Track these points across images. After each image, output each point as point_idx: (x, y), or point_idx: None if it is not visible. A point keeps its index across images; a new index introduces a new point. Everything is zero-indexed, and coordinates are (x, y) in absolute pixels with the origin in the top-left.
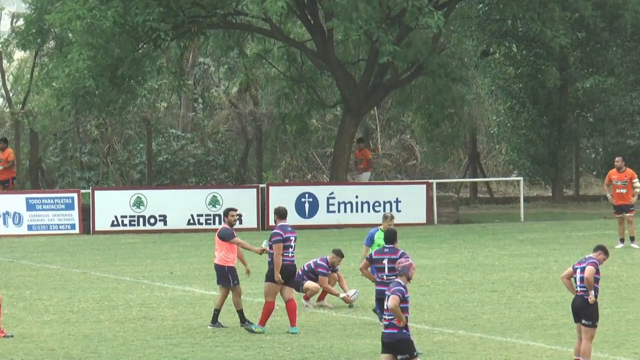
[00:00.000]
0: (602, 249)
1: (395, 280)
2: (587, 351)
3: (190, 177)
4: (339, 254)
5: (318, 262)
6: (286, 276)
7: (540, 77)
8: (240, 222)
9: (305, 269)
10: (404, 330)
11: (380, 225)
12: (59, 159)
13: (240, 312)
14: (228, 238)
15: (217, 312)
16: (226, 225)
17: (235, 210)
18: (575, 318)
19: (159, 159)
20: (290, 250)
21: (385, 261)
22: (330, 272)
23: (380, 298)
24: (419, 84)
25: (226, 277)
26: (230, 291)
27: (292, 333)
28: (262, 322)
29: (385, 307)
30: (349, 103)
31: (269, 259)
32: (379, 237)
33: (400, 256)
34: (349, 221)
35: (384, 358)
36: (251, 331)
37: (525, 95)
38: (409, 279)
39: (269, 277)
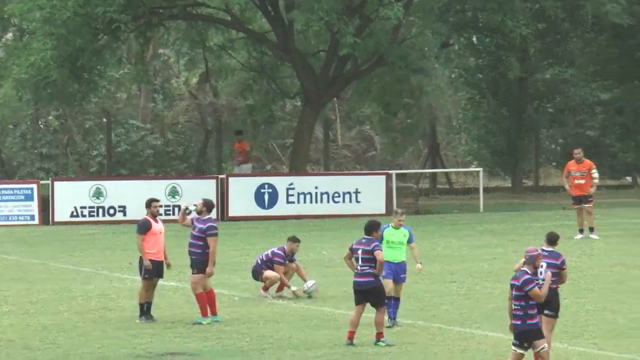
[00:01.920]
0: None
1: (522, 269)
2: (548, 342)
3: (150, 168)
4: (294, 240)
5: (275, 251)
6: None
7: (501, 68)
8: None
9: (264, 258)
10: (516, 321)
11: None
12: (18, 149)
13: (143, 305)
14: (138, 231)
15: (144, 305)
16: (147, 217)
17: (158, 201)
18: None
19: (119, 150)
20: None
21: (359, 252)
22: (288, 261)
23: (356, 289)
24: (378, 73)
25: (140, 268)
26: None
27: (216, 321)
28: (207, 312)
29: (511, 296)
30: (308, 94)
31: (192, 249)
32: (389, 234)
33: (374, 248)
34: (309, 212)
35: (515, 350)
36: (199, 323)
37: (485, 86)
38: (535, 268)
39: (200, 269)
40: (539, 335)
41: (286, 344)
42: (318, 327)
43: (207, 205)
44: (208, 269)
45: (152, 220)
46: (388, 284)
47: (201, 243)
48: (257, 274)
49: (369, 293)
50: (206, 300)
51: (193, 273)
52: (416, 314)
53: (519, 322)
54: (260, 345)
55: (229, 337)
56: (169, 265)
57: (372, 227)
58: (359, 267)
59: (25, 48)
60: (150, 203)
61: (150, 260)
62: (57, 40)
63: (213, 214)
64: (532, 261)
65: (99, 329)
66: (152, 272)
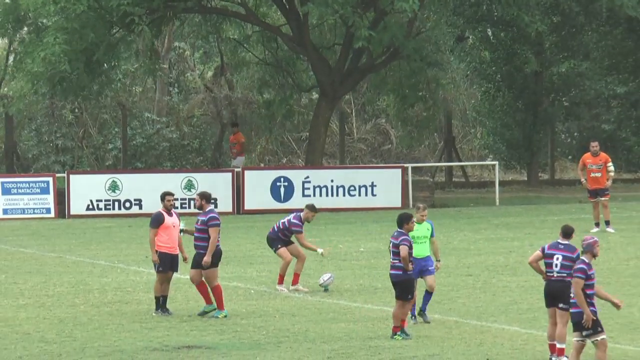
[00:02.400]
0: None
1: (580, 258)
2: (563, 335)
3: (165, 161)
4: (312, 209)
5: (292, 220)
6: (216, 259)
7: (516, 62)
8: (216, 206)
9: (280, 226)
10: (592, 308)
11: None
12: (33, 143)
13: (159, 299)
14: (150, 225)
15: (159, 298)
16: (161, 211)
17: (172, 194)
18: (550, 302)
19: (134, 143)
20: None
21: (390, 245)
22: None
23: (392, 282)
24: (394, 67)
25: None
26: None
27: (223, 316)
28: (222, 305)
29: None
30: (324, 87)
31: (198, 243)
32: (415, 229)
33: (401, 242)
34: (324, 205)
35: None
36: (208, 315)
37: (500, 79)
38: (594, 256)
39: (212, 263)
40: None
41: (302, 337)
42: (334, 320)
43: (205, 197)
44: (205, 258)
45: (165, 214)
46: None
47: (206, 235)
48: (271, 241)
49: (396, 285)
50: (206, 290)
51: (204, 268)
52: (432, 307)
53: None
54: (277, 339)
55: (245, 331)
56: (185, 259)
57: (402, 220)
58: (391, 260)
59: (38, 43)
60: (164, 197)
61: (164, 253)
62: (69, 35)
63: (229, 207)
64: (589, 249)
65: (115, 322)
66: (166, 265)
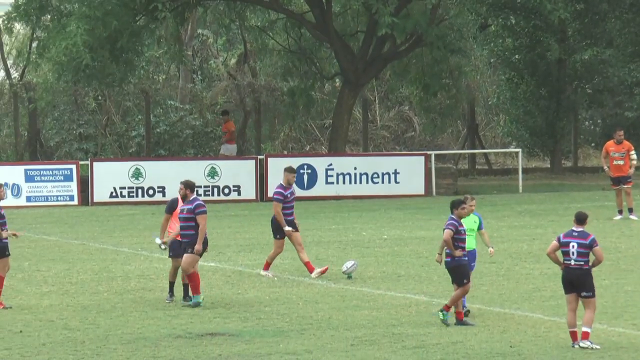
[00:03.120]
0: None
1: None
2: (591, 320)
3: (189, 148)
4: (289, 170)
5: (275, 189)
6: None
7: (539, 49)
8: (239, 194)
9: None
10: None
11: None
12: (56, 130)
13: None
14: (165, 210)
15: (170, 284)
16: (178, 197)
17: (183, 183)
18: (569, 289)
19: (157, 131)
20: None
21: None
22: (288, 195)
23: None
24: (417, 54)
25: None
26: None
27: (197, 303)
28: (199, 289)
29: None
30: (347, 75)
31: (184, 232)
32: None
33: (446, 226)
34: (348, 192)
35: None
36: (196, 305)
37: (523, 67)
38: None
39: (192, 250)
40: None
41: (326, 324)
42: (358, 307)
43: (189, 186)
44: (196, 246)
45: (181, 202)
46: None
47: (192, 223)
48: (274, 227)
49: (448, 272)
50: (199, 279)
51: (187, 252)
52: None
53: None
54: (300, 326)
55: (268, 318)
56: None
57: (453, 205)
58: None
59: (60, 31)
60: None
61: (174, 240)
62: (92, 23)
63: (252, 194)
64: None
65: (138, 309)
66: (177, 250)
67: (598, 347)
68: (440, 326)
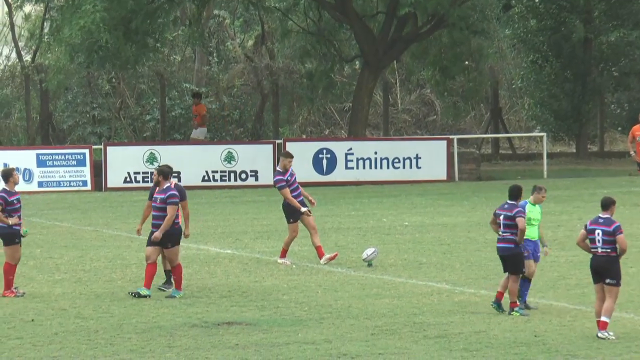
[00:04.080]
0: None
1: None
2: (610, 310)
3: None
4: (285, 155)
5: (274, 178)
6: (176, 238)
7: (563, 30)
8: (257, 179)
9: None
10: None
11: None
12: (69, 113)
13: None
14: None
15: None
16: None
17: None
18: (597, 278)
19: (173, 114)
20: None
21: (501, 217)
22: (289, 179)
23: (501, 255)
24: (435, 37)
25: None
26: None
27: (174, 297)
28: (150, 284)
29: None
30: (367, 57)
31: (158, 222)
32: (528, 210)
33: (517, 214)
34: (368, 178)
35: None
36: (140, 296)
37: (548, 49)
38: None
39: (174, 242)
40: None
41: (345, 313)
42: (378, 295)
43: (162, 173)
44: (156, 233)
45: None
46: (530, 266)
47: (165, 214)
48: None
49: (506, 259)
50: (154, 273)
51: (167, 247)
52: (479, 282)
53: None
54: (319, 315)
55: (286, 306)
56: (186, 236)
57: (518, 192)
58: (500, 233)
59: (76, 11)
60: None
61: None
62: (108, 2)
63: (270, 179)
64: None
65: (153, 297)
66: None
67: (614, 337)
68: (463, 315)
